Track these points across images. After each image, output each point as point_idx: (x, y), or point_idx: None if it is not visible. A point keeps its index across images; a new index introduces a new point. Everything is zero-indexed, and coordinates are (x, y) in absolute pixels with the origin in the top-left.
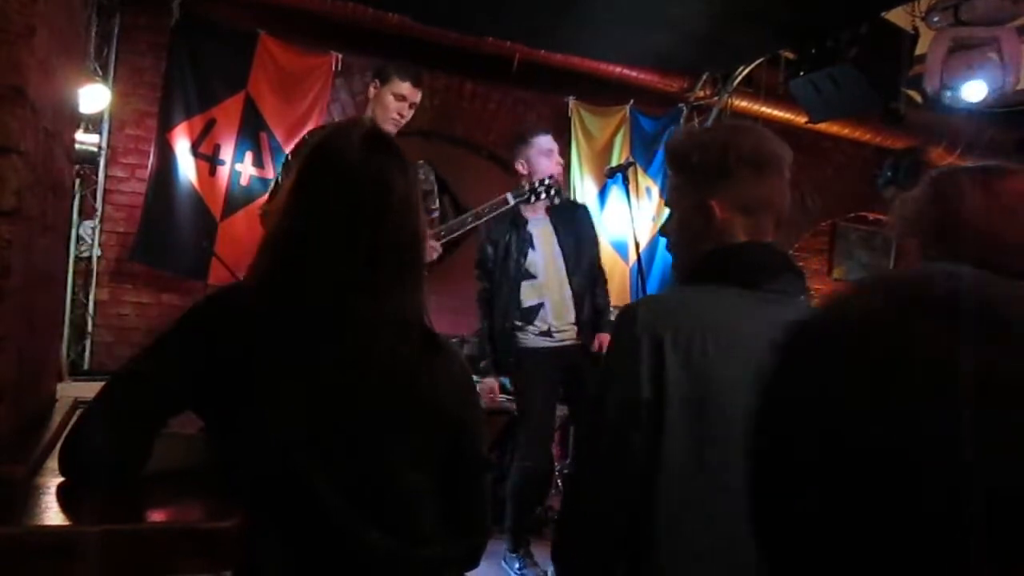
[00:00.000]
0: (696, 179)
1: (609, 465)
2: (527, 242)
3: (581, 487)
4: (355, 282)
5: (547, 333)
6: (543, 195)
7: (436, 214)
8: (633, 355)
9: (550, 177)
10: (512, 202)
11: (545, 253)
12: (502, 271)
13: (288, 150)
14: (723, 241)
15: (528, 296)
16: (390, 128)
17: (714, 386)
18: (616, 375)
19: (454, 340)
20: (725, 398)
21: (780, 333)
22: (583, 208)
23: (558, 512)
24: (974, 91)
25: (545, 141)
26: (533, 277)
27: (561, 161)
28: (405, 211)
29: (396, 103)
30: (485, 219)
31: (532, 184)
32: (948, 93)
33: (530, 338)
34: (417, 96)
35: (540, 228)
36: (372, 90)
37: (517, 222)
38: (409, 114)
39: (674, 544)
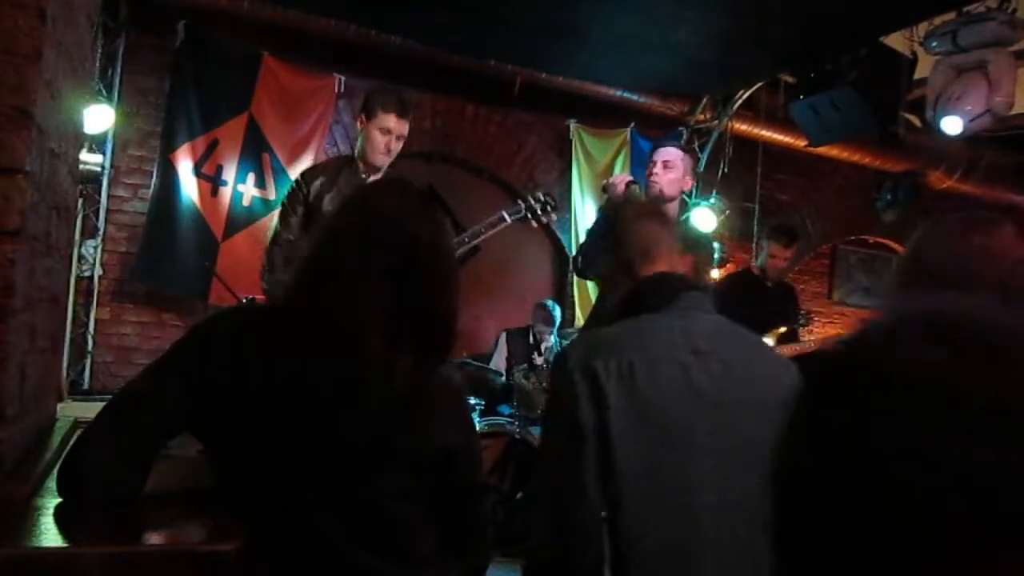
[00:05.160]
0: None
1: (563, 493)
2: None
3: (542, 515)
4: (366, 319)
5: None
6: (540, 213)
7: None
8: (570, 390)
9: (547, 194)
10: (509, 220)
11: None
12: None
13: (290, 170)
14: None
15: None
16: (381, 161)
17: (650, 395)
18: (559, 409)
19: (452, 363)
20: (662, 403)
21: (692, 337)
22: None
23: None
24: (951, 124)
25: (658, 153)
26: None
27: (664, 175)
28: (431, 260)
29: (382, 137)
30: (482, 238)
31: (529, 201)
32: (939, 120)
33: None
34: (404, 128)
35: None
36: (359, 124)
37: None
38: (397, 146)
39: (640, 544)
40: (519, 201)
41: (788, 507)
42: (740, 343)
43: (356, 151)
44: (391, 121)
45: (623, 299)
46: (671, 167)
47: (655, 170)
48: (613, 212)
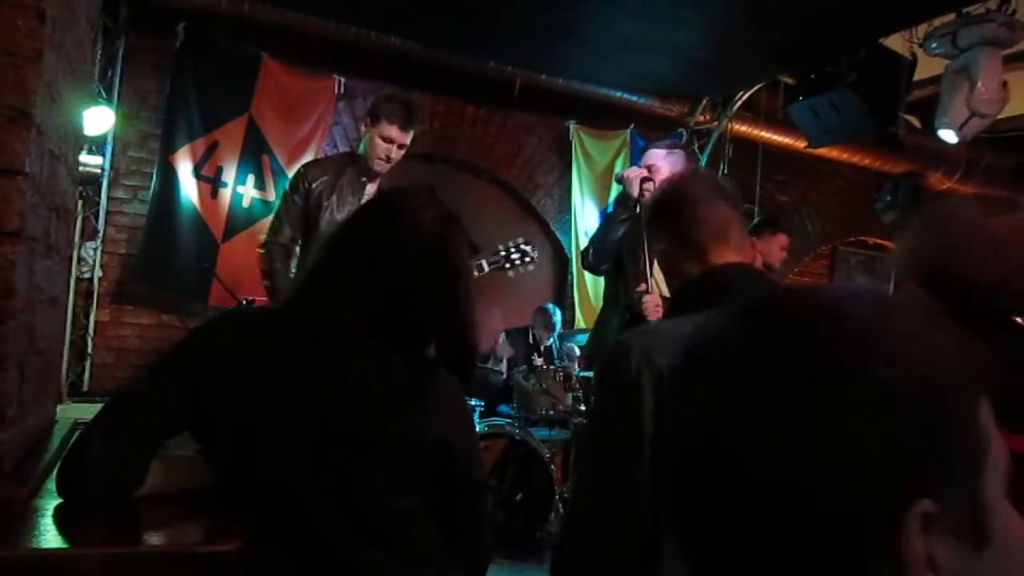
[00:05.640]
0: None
1: (615, 505)
2: None
3: (585, 526)
4: (371, 320)
5: None
6: (518, 263)
7: None
8: (635, 391)
9: (528, 243)
10: (487, 269)
11: None
12: None
13: (290, 172)
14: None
15: None
16: (379, 167)
17: None
18: (617, 413)
19: None
20: None
21: None
22: None
23: (559, 540)
24: (946, 134)
25: (643, 158)
26: None
27: (648, 176)
28: (445, 272)
29: (384, 145)
30: None
31: (508, 249)
32: (936, 129)
33: None
34: (406, 138)
35: None
36: (363, 128)
37: None
38: (398, 155)
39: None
40: (499, 247)
41: None
42: None
43: (358, 152)
44: (394, 131)
45: (689, 288)
46: (655, 171)
47: (636, 177)
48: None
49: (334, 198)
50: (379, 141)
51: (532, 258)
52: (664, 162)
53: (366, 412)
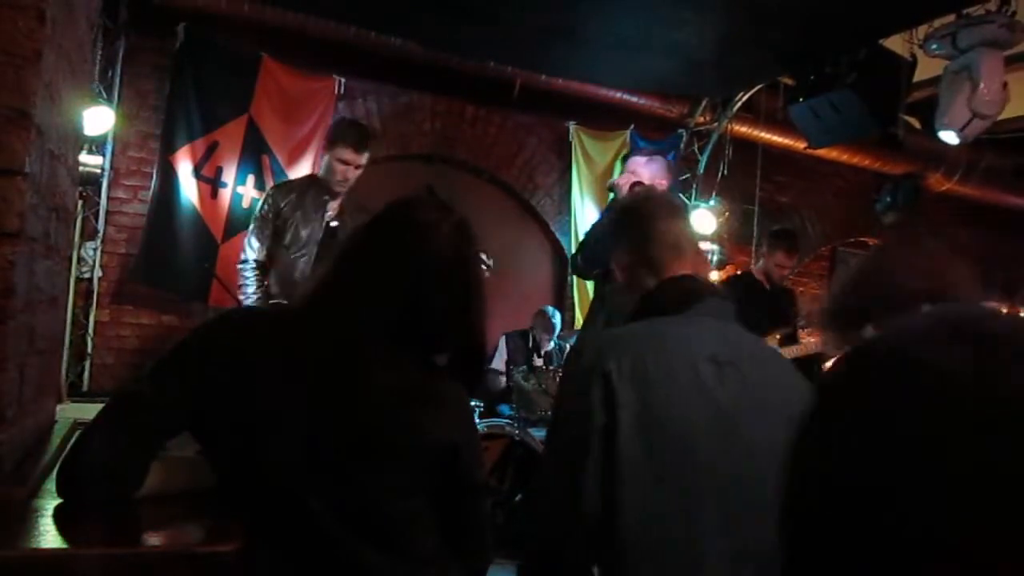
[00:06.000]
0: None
1: (564, 493)
2: None
3: (540, 514)
4: (381, 327)
5: None
6: None
7: None
8: (583, 388)
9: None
10: None
11: None
12: None
13: (290, 172)
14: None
15: None
16: (338, 188)
17: (662, 399)
18: (569, 408)
19: None
20: (674, 408)
21: (711, 344)
22: None
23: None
24: (948, 135)
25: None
26: None
27: (638, 180)
28: (458, 278)
29: (341, 167)
30: None
31: None
32: (937, 130)
33: None
34: (362, 159)
35: None
36: (323, 152)
37: None
38: (355, 175)
39: (641, 548)
40: None
41: (800, 501)
42: (759, 354)
43: (320, 175)
44: (348, 153)
45: (644, 298)
46: (636, 176)
47: (626, 184)
48: (626, 209)
49: (298, 214)
50: (336, 164)
51: (488, 266)
52: (645, 169)
53: (372, 414)
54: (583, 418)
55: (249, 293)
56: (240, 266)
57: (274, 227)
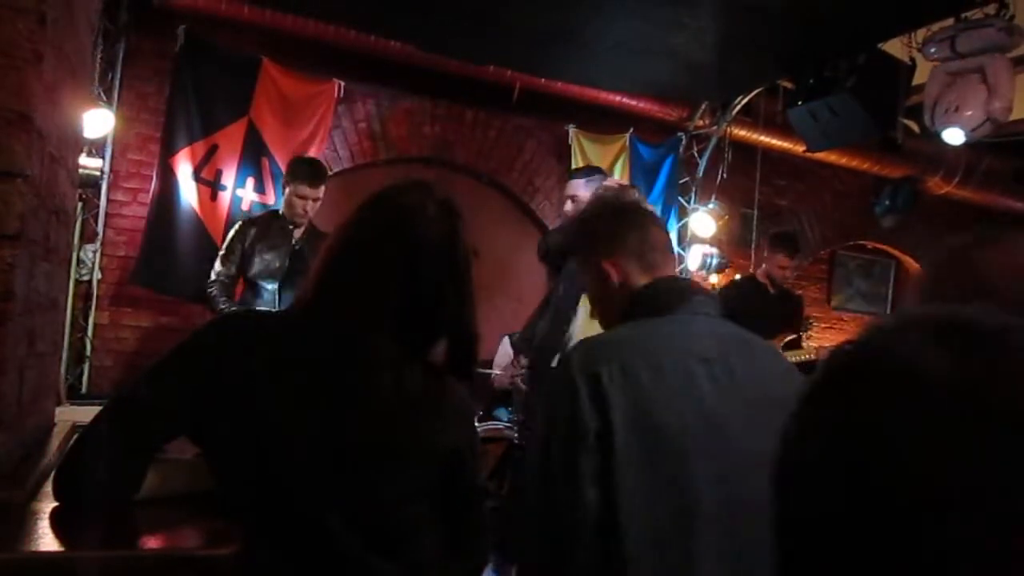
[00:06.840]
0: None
1: (560, 501)
2: None
3: (536, 521)
4: (374, 321)
5: None
6: None
7: None
8: (573, 394)
9: None
10: None
11: None
12: None
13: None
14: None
15: None
16: (299, 220)
17: (654, 401)
18: (560, 415)
19: None
20: (666, 410)
21: (702, 342)
22: None
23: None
24: (953, 135)
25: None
26: None
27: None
28: (445, 264)
29: (299, 201)
30: None
31: None
32: (940, 127)
33: None
34: (318, 192)
35: None
36: (284, 188)
37: None
38: (313, 208)
39: (639, 549)
40: None
41: (787, 506)
42: (748, 350)
43: (281, 210)
44: (305, 189)
45: (634, 296)
46: (576, 200)
47: (566, 207)
48: (625, 209)
49: (265, 241)
50: (295, 199)
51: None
52: (584, 191)
53: (378, 418)
54: (574, 423)
55: (221, 303)
56: (208, 288)
57: (242, 251)
